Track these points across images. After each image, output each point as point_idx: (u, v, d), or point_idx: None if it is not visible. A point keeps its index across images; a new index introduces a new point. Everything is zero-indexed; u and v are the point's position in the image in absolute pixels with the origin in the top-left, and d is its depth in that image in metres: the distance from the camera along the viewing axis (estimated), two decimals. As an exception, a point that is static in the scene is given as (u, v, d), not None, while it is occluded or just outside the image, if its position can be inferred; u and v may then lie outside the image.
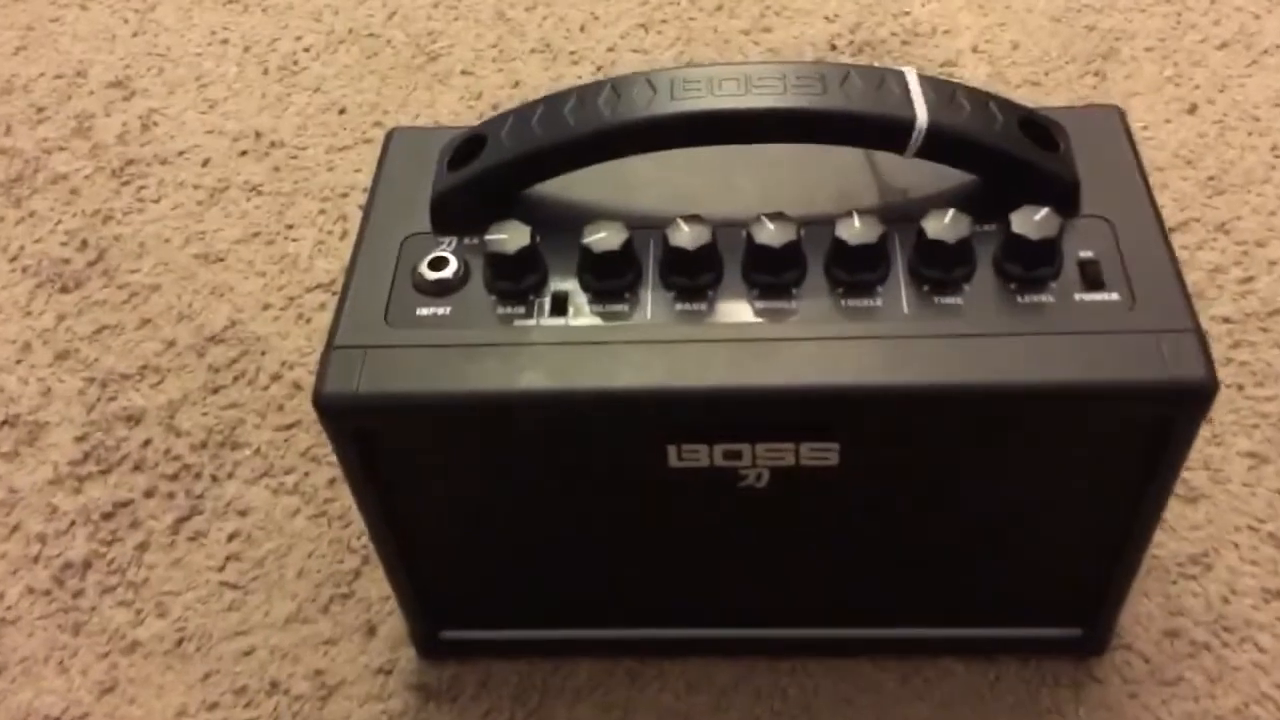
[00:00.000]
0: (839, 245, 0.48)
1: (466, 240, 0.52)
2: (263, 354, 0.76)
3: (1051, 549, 0.54)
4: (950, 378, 0.46)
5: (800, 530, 0.54)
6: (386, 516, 0.52)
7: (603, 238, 0.49)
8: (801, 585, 0.57)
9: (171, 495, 0.69)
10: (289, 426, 0.72)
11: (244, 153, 0.88)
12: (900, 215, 0.51)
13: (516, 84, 0.91)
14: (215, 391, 0.74)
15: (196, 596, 0.66)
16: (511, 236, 0.49)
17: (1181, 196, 0.81)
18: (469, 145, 0.53)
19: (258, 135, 0.89)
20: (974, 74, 0.89)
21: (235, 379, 0.75)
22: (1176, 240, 0.75)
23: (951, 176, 0.51)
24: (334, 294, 0.78)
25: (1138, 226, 0.50)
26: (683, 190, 0.53)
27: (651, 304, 0.49)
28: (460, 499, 0.53)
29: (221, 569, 0.67)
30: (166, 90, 0.93)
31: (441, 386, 0.47)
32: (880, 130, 0.49)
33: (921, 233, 0.48)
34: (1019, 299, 0.48)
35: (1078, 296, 0.48)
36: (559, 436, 0.50)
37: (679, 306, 0.49)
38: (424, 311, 0.50)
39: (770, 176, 0.53)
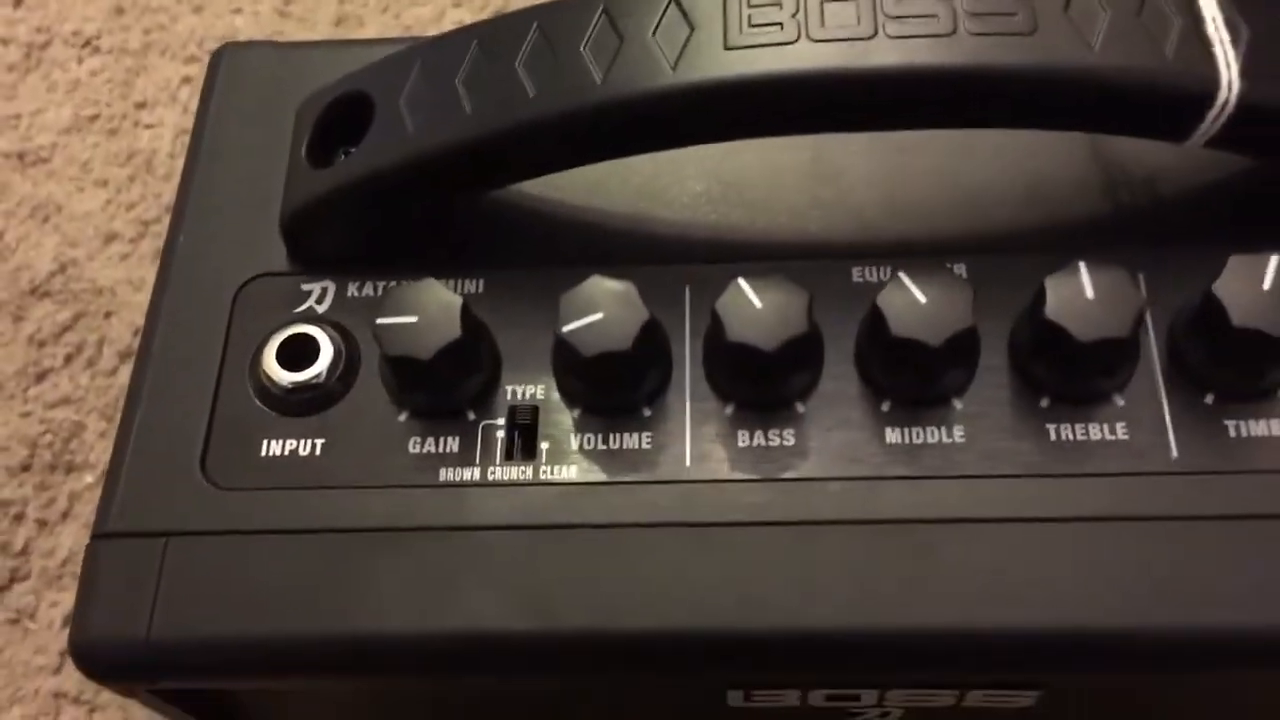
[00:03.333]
0: (1051, 331, 0.25)
1: (352, 289, 0.29)
2: (107, 316, 0.53)
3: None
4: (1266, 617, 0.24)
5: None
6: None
7: (597, 324, 0.25)
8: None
9: (-18, 550, 0.48)
10: (148, 434, 0.50)
11: (71, -17, 0.61)
12: (1130, 227, 0.28)
13: None
14: (40, 379, 0.51)
15: (23, 714, 0.46)
16: (426, 320, 0.26)
17: None
18: (344, 111, 0.29)
19: (90, -45, 0.62)
20: None
21: (69, 358, 0.52)
22: None
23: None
24: (206, 216, 0.54)
25: None
26: (733, 184, 0.29)
27: (691, 433, 0.27)
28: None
29: (58, 671, 0.46)
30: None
31: (308, 626, 0.25)
32: (1146, 112, 0.25)
33: (1211, 304, 0.25)
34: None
35: None
36: (538, 684, 0.28)
37: (743, 439, 0.26)
38: (275, 449, 0.27)
39: (883, 159, 0.29)
